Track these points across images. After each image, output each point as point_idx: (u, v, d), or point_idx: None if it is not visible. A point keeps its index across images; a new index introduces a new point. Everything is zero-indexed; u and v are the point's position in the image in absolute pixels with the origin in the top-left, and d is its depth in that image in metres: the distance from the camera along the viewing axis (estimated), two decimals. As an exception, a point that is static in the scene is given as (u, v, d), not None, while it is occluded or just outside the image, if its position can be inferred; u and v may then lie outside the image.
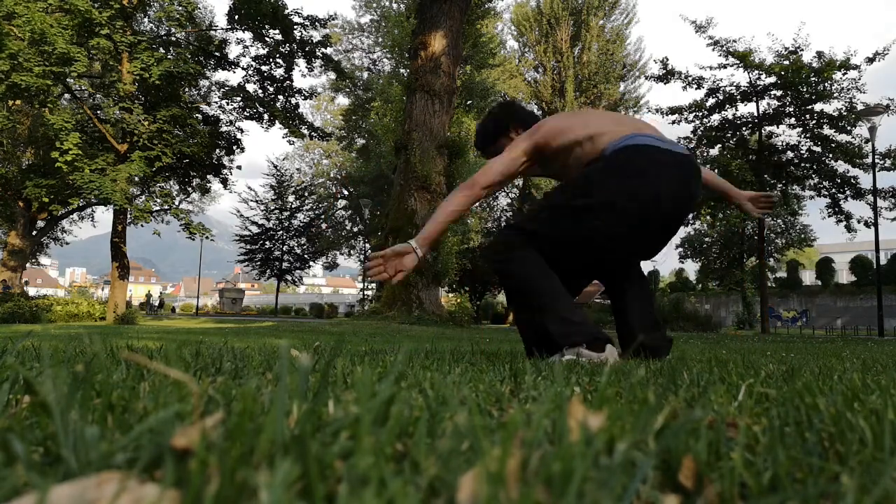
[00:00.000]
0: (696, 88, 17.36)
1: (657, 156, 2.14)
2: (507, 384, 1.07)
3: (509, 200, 31.94)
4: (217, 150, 17.25)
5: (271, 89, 17.29)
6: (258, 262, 33.47)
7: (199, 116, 17.00)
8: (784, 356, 2.83)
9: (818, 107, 16.34)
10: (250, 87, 17.16)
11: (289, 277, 34.06)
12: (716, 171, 17.67)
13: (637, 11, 31.14)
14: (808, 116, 16.58)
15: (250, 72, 17.03)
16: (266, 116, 16.91)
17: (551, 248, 2.17)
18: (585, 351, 1.97)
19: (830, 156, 16.46)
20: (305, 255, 34.26)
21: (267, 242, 33.32)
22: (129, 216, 16.46)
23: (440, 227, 2.26)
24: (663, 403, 0.66)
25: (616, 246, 2.18)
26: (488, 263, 2.37)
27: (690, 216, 19.61)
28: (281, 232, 33.40)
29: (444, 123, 16.16)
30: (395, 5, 31.15)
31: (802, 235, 26.55)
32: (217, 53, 16.61)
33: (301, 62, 17.09)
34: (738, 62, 16.40)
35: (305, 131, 17.79)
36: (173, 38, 16.41)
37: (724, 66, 16.78)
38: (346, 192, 36.30)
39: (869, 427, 0.57)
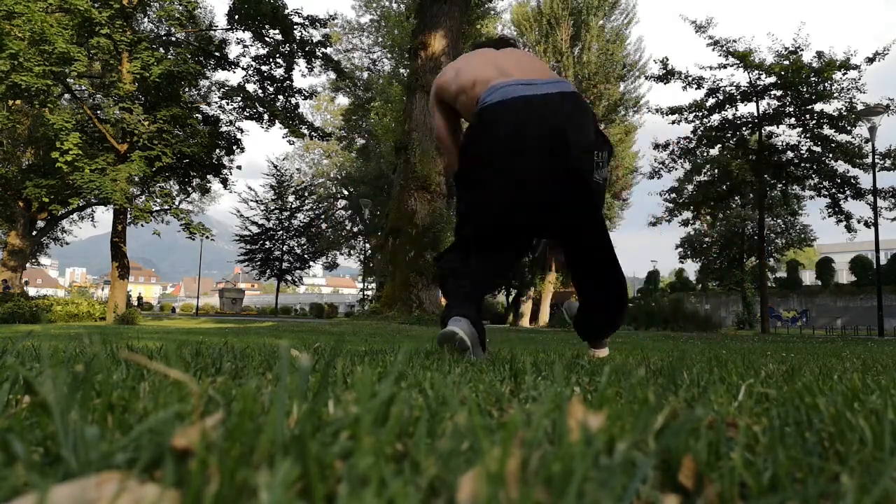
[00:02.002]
0: (696, 88, 17.34)
1: (519, 116, 2.13)
2: (507, 384, 1.06)
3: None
4: (217, 150, 17.22)
5: (271, 89, 17.27)
6: (258, 262, 33.43)
7: (199, 116, 16.98)
8: (784, 356, 2.84)
9: (818, 107, 16.33)
10: (250, 87, 17.16)
11: (289, 277, 34.02)
12: (716, 170, 17.68)
13: (637, 11, 31.09)
14: (808, 116, 16.57)
15: (250, 72, 17.02)
16: (266, 116, 16.89)
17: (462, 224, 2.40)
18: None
19: (830, 156, 16.45)
20: (305, 255, 34.23)
21: (267, 242, 33.28)
22: (129, 216, 16.44)
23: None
24: (663, 403, 0.66)
25: (504, 218, 2.26)
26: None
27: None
28: (281, 232, 33.36)
29: (444, 123, 16.15)
30: (395, 5, 31.16)
31: (802, 235, 26.51)
32: (217, 53, 16.60)
33: (301, 62, 17.08)
34: (738, 62, 16.39)
35: (305, 131, 17.77)
36: (173, 38, 16.41)
37: (724, 66, 16.76)
38: (346, 192, 36.30)
39: (869, 427, 0.57)
